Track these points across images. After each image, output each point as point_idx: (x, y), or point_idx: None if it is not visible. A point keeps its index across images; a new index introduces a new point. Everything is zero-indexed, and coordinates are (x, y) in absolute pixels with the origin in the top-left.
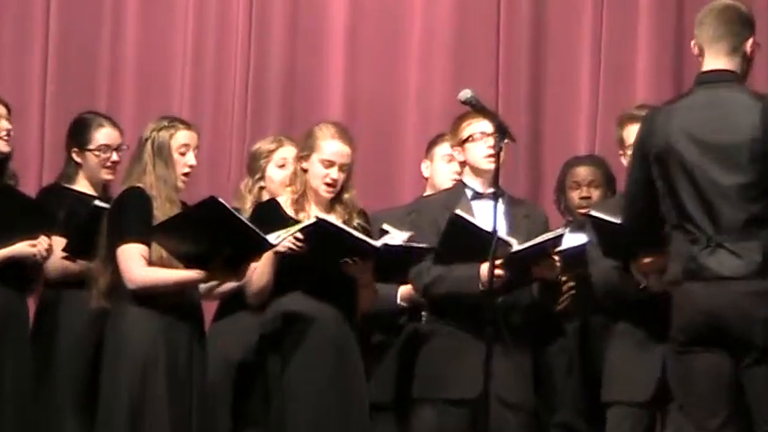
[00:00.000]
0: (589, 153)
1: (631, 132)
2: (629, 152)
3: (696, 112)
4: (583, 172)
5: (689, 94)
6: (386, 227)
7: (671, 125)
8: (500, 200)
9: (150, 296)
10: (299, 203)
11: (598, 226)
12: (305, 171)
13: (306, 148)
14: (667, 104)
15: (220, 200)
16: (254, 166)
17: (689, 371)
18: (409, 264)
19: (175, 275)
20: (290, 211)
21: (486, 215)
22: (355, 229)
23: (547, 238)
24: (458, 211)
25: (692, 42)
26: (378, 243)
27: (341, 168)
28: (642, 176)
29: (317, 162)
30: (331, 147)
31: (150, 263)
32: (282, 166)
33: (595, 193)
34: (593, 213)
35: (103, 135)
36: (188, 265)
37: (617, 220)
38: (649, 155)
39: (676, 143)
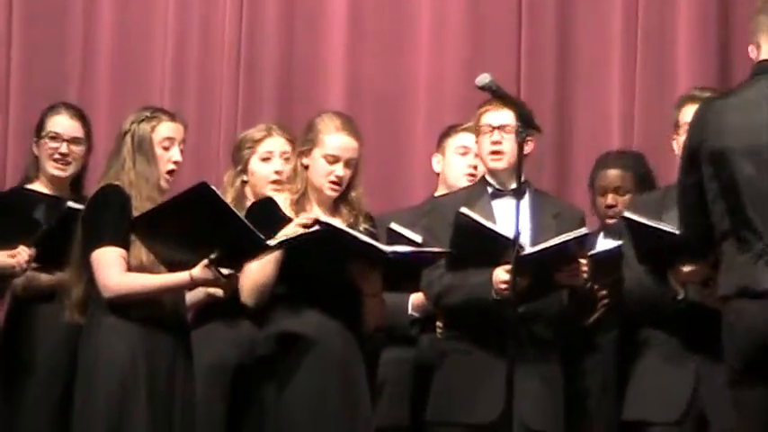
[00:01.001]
0: (622, 148)
1: (688, 114)
2: (680, 138)
3: (753, 106)
4: (609, 176)
5: (744, 87)
6: (395, 226)
7: (725, 122)
8: (525, 197)
9: (128, 306)
10: (299, 204)
11: (633, 229)
12: (306, 168)
13: (306, 141)
14: (720, 98)
15: (212, 187)
16: (238, 156)
17: (743, 405)
18: (421, 270)
19: (157, 281)
20: (289, 213)
21: (509, 214)
22: (361, 232)
23: (566, 239)
24: (463, 210)
25: (751, 30)
26: (387, 249)
27: (347, 164)
28: (694, 182)
29: (320, 158)
30: (335, 140)
31: (129, 269)
32: (267, 159)
33: (622, 201)
34: (628, 215)
35: (55, 122)
36: (172, 269)
37: (654, 224)
38: (700, 155)
39: (732, 142)
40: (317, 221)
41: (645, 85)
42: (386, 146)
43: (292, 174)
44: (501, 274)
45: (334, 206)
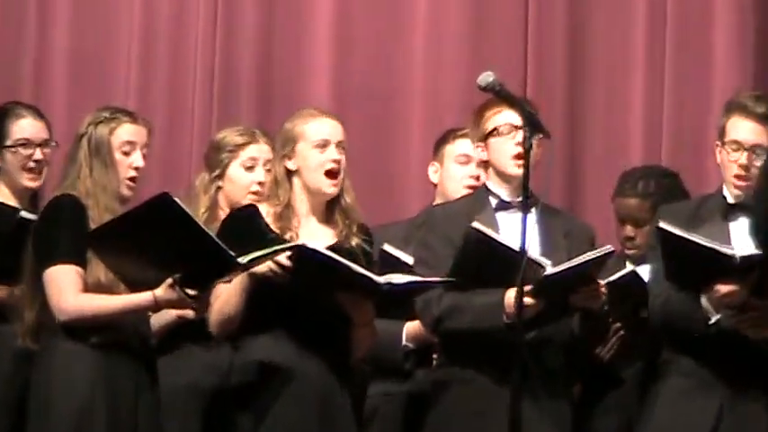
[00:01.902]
0: (648, 165)
1: (735, 127)
2: (728, 149)
3: None
4: (626, 206)
5: None
6: (388, 248)
7: None
8: (532, 211)
9: (86, 330)
10: (283, 218)
11: (667, 241)
12: (291, 173)
13: (287, 142)
14: None
15: (176, 199)
16: (215, 159)
17: None
18: (417, 296)
19: (118, 302)
20: (273, 226)
21: (514, 230)
22: (352, 251)
23: (590, 257)
24: (475, 224)
25: None
26: (382, 280)
27: (339, 146)
28: None
29: (310, 150)
30: (318, 126)
31: (86, 288)
32: (251, 167)
33: (642, 233)
34: (663, 225)
35: (22, 128)
36: (133, 289)
37: (694, 237)
38: None
39: None
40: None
41: (674, 88)
42: (377, 153)
43: (272, 186)
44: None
45: (328, 214)
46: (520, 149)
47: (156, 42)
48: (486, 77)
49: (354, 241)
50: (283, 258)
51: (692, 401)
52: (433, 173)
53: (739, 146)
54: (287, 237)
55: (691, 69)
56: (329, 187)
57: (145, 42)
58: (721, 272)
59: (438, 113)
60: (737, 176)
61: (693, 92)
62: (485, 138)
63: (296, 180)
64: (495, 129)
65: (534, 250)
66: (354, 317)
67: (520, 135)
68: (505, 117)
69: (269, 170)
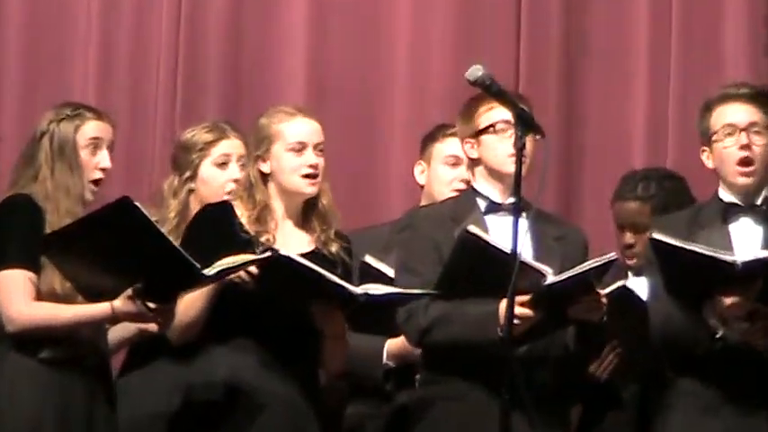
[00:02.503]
0: (649, 167)
1: (723, 114)
2: (721, 137)
3: None
4: (624, 210)
5: None
6: (369, 260)
7: None
8: (524, 214)
9: (37, 342)
10: (260, 221)
11: (662, 252)
12: (265, 176)
13: (261, 143)
14: None
15: (137, 204)
16: (184, 160)
17: None
18: (397, 309)
19: (73, 312)
20: (248, 228)
21: (504, 234)
22: (331, 258)
23: (593, 265)
24: (471, 228)
25: None
26: (358, 290)
27: (316, 149)
28: None
29: (284, 153)
30: (295, 127)
31: (39, 296)
32: (223, 164)
33: (643, 240)
34: (657, 236)
35: None
36: (91, 298)
37: (689, 246)
38: None
39: None
40: (272, 252)
41: (681, 81)
42: (357, 152)
43: (245, 186)
44: (517, 308)
45: (304, 218)
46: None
47: (114, 34)
48: (475, 71)
49: (333, 248)
50: (253, 268)
51: (698, 427)
52: (420, 173)
53: (734, 128)
54: (263, 239)
55: (698, 61)
56: (307, 187)
57: (103, 33)
58: (723, 280)
59: (423, 109)
60: (741, 162)
61: (701, 86)
62: (476, 134)
63: (271, 183)
64: (490, 126)
65: (527, 256)
66: (325, 329)
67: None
68: (502, 113)
69: (243, 165)
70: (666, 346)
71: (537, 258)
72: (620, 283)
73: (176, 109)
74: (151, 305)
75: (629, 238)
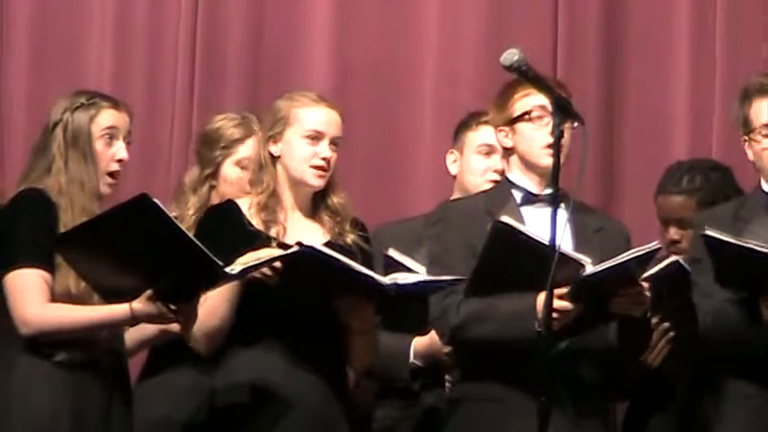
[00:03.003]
0: (695, 159)
1: (761, 110)
2: (759, 136)
3: None
4: (669, 205)
5: None
6: (393, 254)
7: None
8: (562, 205)
9: (52, 345)
10: (267, 210)
11: (715, 249)
12: (276, 158)
13: (276, 123)
14: None
15: (156, 201)
16: (207, 155)
17: None
18: (426, 300)
19: (90, 314)
20: (255, 222)
21: (541, 226)
22: (349, 248)
23: (635, 254)
24: (505, 218)
25: None
26: (386, 280)
27: (332, 143)
28: None
29: (298, 139)
30: (316, 114)
31: (53, 298)
32: (246, 168)
33: (688, 237)
34: (709, 232)
35: None
36: (108, 299)
37: (742, 242)
38: None
39: None
40: (298, 245)
41: (727, 65)
42: (384, 140)
43: (256, 171)
44: (556, 300)
45: (313, 211)
46: (551, 139)
47: (130, 20)
48: (511, 55)
49: (350, 238)
50: (277, 263)
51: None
52: (452, 162)
53: None
54: (272, 232)
55: (745, 43)
56: (314, 179)
57: (119, 21)
58: None
59: (453, 95)
60: None
61: (747, 72)
62: (511, 122)
63: (279, 167)
64: (525, 113)
65: (566, 248)
66: (354, 324)
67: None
68: (539, 99)
69: None
70: (716, 342)
71: (576, 251)
72: (672, 259)
73: (194, 96)
74: (172, 306)
75: (673, 233)
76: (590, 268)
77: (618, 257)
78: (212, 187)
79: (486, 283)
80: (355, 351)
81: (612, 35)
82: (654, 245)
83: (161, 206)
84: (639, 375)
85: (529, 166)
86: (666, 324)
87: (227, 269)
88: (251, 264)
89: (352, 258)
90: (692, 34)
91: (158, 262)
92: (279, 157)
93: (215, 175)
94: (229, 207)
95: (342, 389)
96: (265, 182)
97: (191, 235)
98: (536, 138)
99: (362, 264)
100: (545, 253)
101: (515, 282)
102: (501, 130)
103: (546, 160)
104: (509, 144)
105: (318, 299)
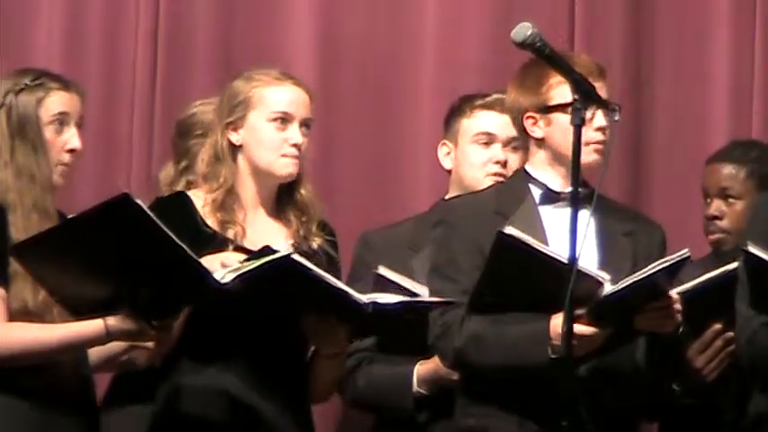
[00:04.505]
0: (736, 138)
1: None
2: None
3: None
4: (714, 173)
5: None
6: (384, 272)
7: None
8: (587, 206)
9: (11, 372)
10: (225, 208)
11: (754, 267)
12: (236, 147)
13: (236, 107)
14: None
15: (138, 201)
16: (182, 145)
17: None
18: (422, 319)
19: (57, 334)
20: (210, 221)
21: (561, 228)
22: (313, 255)
23: (660, 266)
24: (508, 229)
25: None
26: (363, 298)
27: (303, 125)
28: None
29: (264, 123)
30: (283, 93)
31: (10, 316)
32: None
33: (732, 213)
34: (751, 249)
35: None
36: (78, 314)
37: None
38: None
39: None
40: (265, 249)
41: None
42: (376, 137)
43: (211, 162)
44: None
45: (278, 208)
46: (600, 135)
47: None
48: (524, 29)
49: (315, 243)
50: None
51: None
52: (445, 155)
53: None
54: (230, 233)
55: None
56: (284, 167)
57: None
58: None
59: (454, 80)
60: None
61: None
62: (545, 110)
63: (240, 159)
64: (566, 104)
65: (590, 256)
66: (322, 345)
67: (600, 116)
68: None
69: None
70: (753, 368)
71: (604, 259)
72: (716, 272)
73: (156, 82)
74: (153, 322)
75: (714, 207)
76: (608, 287)
77: (641, 272)
78: (190, 183)
79: (491, 299)
80: (319, 377)
81: (639, 12)
82: (683, 253)
83: (144, 208)
84: (671, 400)
85: (561, 160)
86: (730, 334)
87: (219, 277)
88: (244, 270)
89: (317, 265)
90: (731, 12)
91: (140, 271)
92: (240, 146)
93: (191, 167)
94: (180, 201)
95: (302, 412)
96: (222, 176)
97: (179, 241)
98: (565, 130)
99: (328, 272)
100: (558, 268)
101: (525, 298)
102: (530, 117)
103: (591, 156)
104: (539, 134)
105: (284, 313)
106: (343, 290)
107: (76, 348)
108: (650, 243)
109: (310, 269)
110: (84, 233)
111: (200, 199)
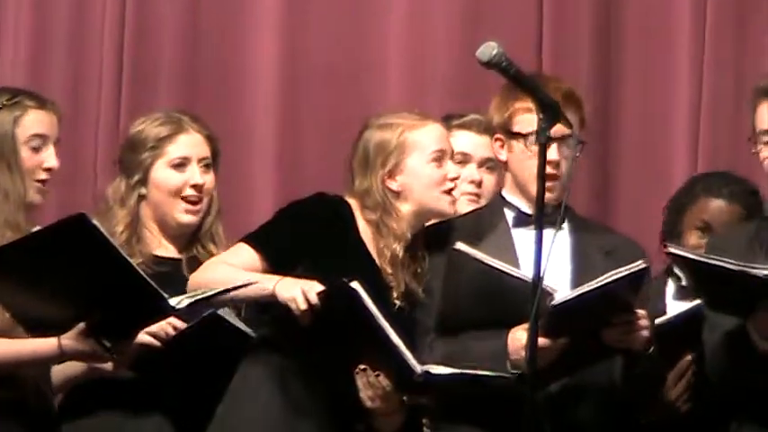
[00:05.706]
0: (692, 162)
1: (762, 115)
2: (759, 145)
3: None
4: (712, 208)
5: None
6: (462, 247)
7: None
8: (564, 227)
9: None
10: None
11: (689, 268)
12: (141, 198)
13: (392, 154)
14: None
15: (94, 222)
16: (132, 160)
17: None
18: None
19: (11, 349)
20: (363, 234)
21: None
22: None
23: (615, 276)
24: (459, 245)
25: None
26: (418, 368)
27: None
28: None
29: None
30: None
31: None
32: (181, 165)
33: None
34: (672, 249)
35: None
36: (33, 332)
37: (709, 259)
38: None
39: None
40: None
41: (715, 70)
42: (340, 156)
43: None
44: (521, 336)
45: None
46: (551, 169)
47: (49, 8)
48: (489, 49)
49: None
50: (312, 294)
51: None
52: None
53: None
54: (379, 261)
55: (751, 43)
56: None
57: (35, 7)
58: (758, 294)
59: (422, 98)
60: None
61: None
62: (509, 135)
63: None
64: (526, 134)
65: (564, 276)
66: (376, 407)
67: (553, 149)
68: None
69: (206, 167)
70: (717, 376)
71: (578, 277)
72: (695, 303)
73: (121, 98)
74: (106, 343)
75: (695, 239)
76: (559, 296)
77: (594, 282)
78: (141, 197)
79: (453, 321)
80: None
81: (606, 30)
82: (639, 264)
83: (100, 228)
84: (654, 417)
85: (520, 187)
86: (690, 357)
87: (173, 302)
88: (198, 297)
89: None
90: (693, 26)
91: (93, 291)
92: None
93: (144, 181)
94: (342, 207)
95: None
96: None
97: (133, 262)
98: (531, 165)
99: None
100: (510, 282)
101: (484, 315)
102: (498, 140)
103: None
104: (503, 158)
105: (340, 350)
106: (398, 346)
107: (30, 364)
108: (629, 261)
109: (373, 313)
110: (39, 251)
111: (357, 210)
